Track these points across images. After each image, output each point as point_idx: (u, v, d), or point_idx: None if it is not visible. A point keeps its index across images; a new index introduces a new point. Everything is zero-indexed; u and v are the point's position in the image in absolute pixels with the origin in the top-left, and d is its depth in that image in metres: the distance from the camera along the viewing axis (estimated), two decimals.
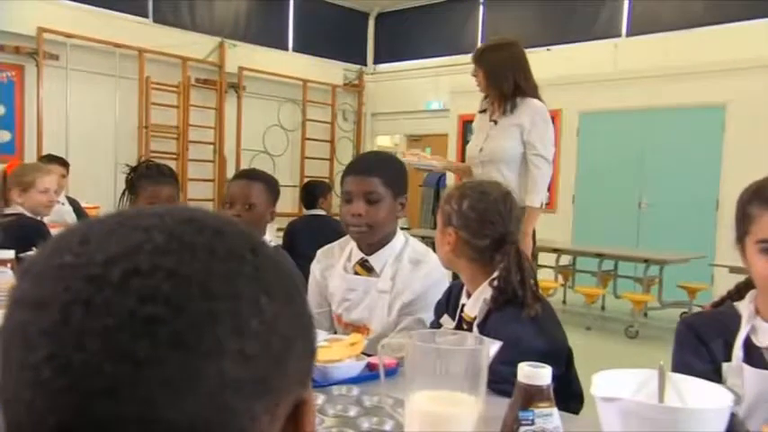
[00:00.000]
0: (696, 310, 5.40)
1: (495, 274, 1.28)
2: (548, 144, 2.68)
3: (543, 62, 7.44)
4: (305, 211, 4.24)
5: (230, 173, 7.51)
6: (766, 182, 1.10)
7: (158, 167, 2.28)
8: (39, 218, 2.63)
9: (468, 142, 9.97)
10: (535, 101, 2.69)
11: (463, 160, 9.20)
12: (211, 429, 0.34)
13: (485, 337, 0.90)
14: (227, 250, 0.37)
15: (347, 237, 1.77)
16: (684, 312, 5.59)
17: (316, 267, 1.80)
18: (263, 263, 0.38)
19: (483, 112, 2.82)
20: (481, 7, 8.16)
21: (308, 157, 8.42)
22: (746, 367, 1.09)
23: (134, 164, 2.36)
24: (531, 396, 0.80)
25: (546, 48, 7.40)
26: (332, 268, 1.75)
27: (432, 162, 3.06)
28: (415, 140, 9.51)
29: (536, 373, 0.80)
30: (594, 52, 7.00)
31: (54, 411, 0.32)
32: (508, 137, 2.67)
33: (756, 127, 5.80)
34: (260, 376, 0.35)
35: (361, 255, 1.69)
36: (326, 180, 8.40)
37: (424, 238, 6.20)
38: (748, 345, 1.11)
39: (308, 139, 8.42)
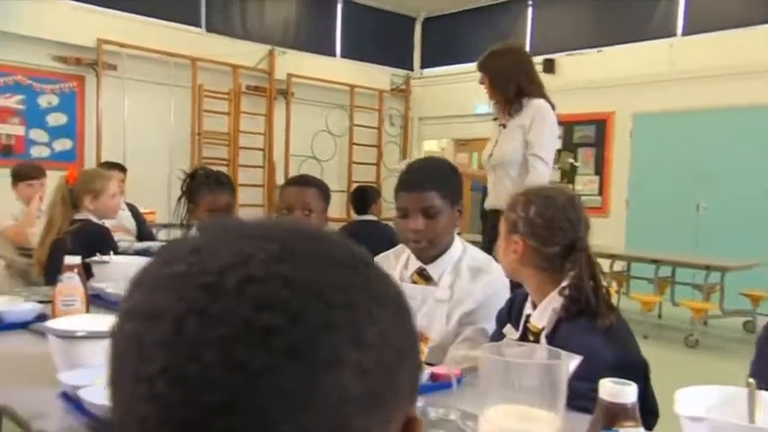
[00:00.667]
0: (761, 318, 5.17)
1: (566, 283, 1.24)
2: (545, 144, 2.66)
3: (594, 63, 7.32)
4: (355, 217, 4.25)
5: (279, 178, 7.60)
6: None
7: (216, 176, 2.32)
8: (102, 222, 2.71)
9: None
10: (539, 100, 2.70)
11: None
12: None
13: (561, 351, 0.87)
14: (339, 259, 0.37)
15: (402, 245, 1.75)
16: (748, 321, 5.36)
17: None
18: (372, 273, 0.38)
19: (495, 119, 2.85)
20: (530, 9, 8.04)
21: (355, 162, 8.46)
22: None
23: (189, 170, 2.42)
24: (615, 415, 0.77)
25: (597, 49, 7.25)
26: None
27: None
28: (462, 144, 9.45)
29: (620, 391, 0.76)
30: (649, 52, 6.81)
31: (168, 425, 0.32)
32: (513, 139, 2.69)
33: None
34: (375, 390, 0.34)
35: (419, 264, 1.67)
36: (374, 185, 8.43)
37: (473, 243, 6.14)
38: None
39: (356, 144, 8.46)
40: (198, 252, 0.35)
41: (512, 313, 1.44)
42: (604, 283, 1.22)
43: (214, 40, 7.17)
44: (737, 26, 6.21)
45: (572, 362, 0.86)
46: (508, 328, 1.42)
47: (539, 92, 2.75)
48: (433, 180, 1.61)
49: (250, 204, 7.34)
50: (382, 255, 1.81)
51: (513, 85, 2.70)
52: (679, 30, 6.75)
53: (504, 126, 2.75)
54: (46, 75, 6.19)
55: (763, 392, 0.91)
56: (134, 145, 6.50)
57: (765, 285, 5.40)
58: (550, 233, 1.26)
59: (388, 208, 9.00)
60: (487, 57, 2.81)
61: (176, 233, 3.89)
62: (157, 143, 6.75)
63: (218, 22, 7.31)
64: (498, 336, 1.44)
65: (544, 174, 2.63)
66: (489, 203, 2.80)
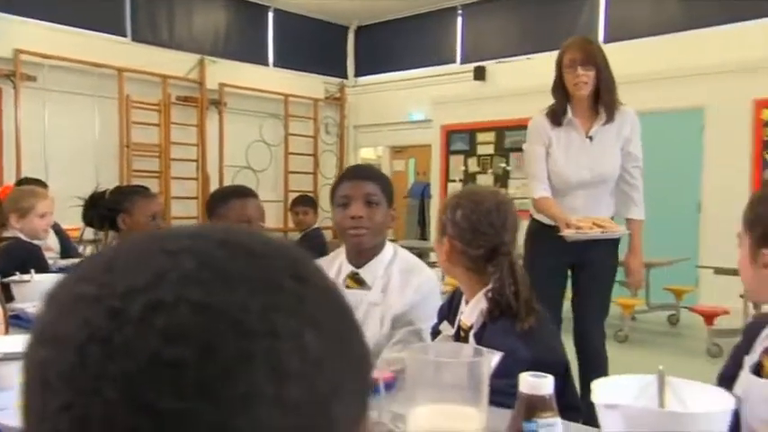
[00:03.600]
0: (684, 311, 5.45)
1: (490, 286, 1.28)
2: (641, 155, 2.52)
3: (524, 70, 7.54)
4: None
5: (213, 189, 7.46)
6: None
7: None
8: (34, 242, 2.60)
9: (453, 152, 9.80)
10: (630, 109, 2.50)
11: (448, 172, 8.99)
12: None
13: (484, 348, 0.89)
14: (265, 278, 0.33)
15: (335, 252, 1.77)
16: (672, 315, 5.63)
17: None
18: (308, 292, 0.33)
19: (558, 124, 2.47)
20: (459, 18, 8.23)
21: (291, 172, 8.40)
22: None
23: (119, 183, 2.39)
24: (534, 406, 0.80)
25: (526, 56, 7.48)
26: None
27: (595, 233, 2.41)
28: (398, 152, 9.54)
29: (538, 383, 0.80)
30: None
31: None
32: (616, 153, 2.44)
33: (734, 130, 5.89)
34: (302, 425, 0.31)
35: (351, 268, 1.68)
36: (311, 194, 8.40)
37: (410, 250, 6.20)
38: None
39: (292, 153, 8.41)
40: (110, 270, 0.32)
41: (451, 309, 1.47)
42: (527, 287, 1.27)
43: (141, 49, 6.99)
44: (655, 33, 6.55)
45: (493, 358, 0.89)
46: (445, 325, 1.45)
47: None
48: (375, 174, 1.74)
49: (184, 217, 7.17)
50: (324, 260, 1.81)
51: (614, 84, 2.40)
52: (601, 37, 7.05)
53: (592, 138, 2.43)
54: None
55: (673, 379, 0.96)
56: (57, 159, 6.24)
57: (686, 280, 5.69)
58: (474, 236, 1.30)
59: (324, 216, 8.99)
60: (593, 46, 2.41)
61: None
62: (82, 156, 6.51)
63: (144, 31, 7.13)
64: (436, 330, 1.48)
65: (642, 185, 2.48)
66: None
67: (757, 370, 1.07)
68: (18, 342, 1.25)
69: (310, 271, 0.35)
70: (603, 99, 2.41)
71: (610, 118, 2.42)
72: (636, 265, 2.51)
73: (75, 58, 6.31)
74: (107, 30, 6.78)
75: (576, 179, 2.46)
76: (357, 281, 1.69)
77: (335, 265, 1.73)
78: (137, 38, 7.06)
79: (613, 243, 2.48)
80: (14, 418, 1.02)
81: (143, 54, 6.92)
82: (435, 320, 1.51)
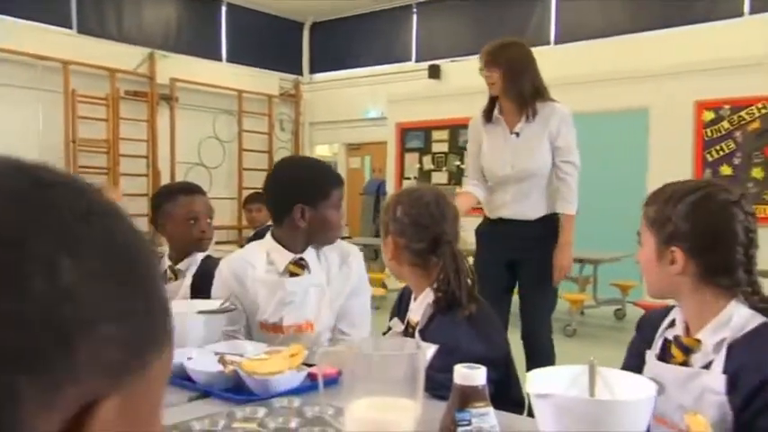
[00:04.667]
0: (629, 306, 5.63)
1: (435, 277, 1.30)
2: (575, 150, 2.54)
3: (477, 70, 7.62)
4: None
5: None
6: None
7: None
8: None
9: (408, 150, 9.81)
10: (558, 104, 2.53)
11: (403, 170, 8.99)
12: None
13: (422, 342, 0.91)
14: (39, 202, 0.33)
15: (257, 243, 1.77)
16: (618, 309, 5.81)
17: (232, 282, 1.67)
18: (85, 228, 0.33)
19: (489, 121, 2.57)
20: (414, 16, 8.27)
21: (245, 169, 8.30)
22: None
23: None
24: (467, 396, 0.81)
25: (478, 56, 7.57)
26: (248, 279, 1.67)
27: None
28: (354, 149, 9.54)
29: (471, 374, 0.81)
30: None
31: None
32: (542, 149, 2.47)
33: (677, 130, 6.11)
34: (33, 348, 0.30)
35: (292, 255, 1.67)
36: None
37: (366, 246, 6.21)
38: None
39: (246, 150, 8.31)
40: None
41: (401, 307, 1.49)
42: (468, 275, 1.29)
43: (87, 42, 6.78)
44: (602, 36, 6.73)
45: (429, 351, 0.90)
46: (394, 322, 1.47)
47: (547, 93, 2.52)
48: None
49: (134, 214, 6.97)
50: (232, 261, 1.73)
51: (528, 82, 2.45)
52: (552, 38, 7.20)
53: (518, 134, 2.50)
54: None
55: (604, 369, 0.99)
56: None
57: (632, 276, 5.87)
58: (415, 230, 1.32)
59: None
60: (498, 48, 2.52)
61: None
62: (25, 152, 6.15)
63: (90, 22, 6.93)
64: (387, 328, 1.50)
65: (576, 180, 2.51)
66: (512, 218, 2.52)
67: (665, 359, 1.11)
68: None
69: (100, 211, 0.35)
70: (509, 97, 2.47)
71: (529, 115, 2.47)
72: (559, 259, 2.48)
73: (18, 49, 6.08)
74: (51, 21, 6.56)
75: (501, 174, 2.53)
76: (301, 266, 1.68)
77: (263, 255, 1.69)
78: (83, 30, 6.85)
79: (554, 239, 2.53)
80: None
81: (89, 47, 6.72)
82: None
